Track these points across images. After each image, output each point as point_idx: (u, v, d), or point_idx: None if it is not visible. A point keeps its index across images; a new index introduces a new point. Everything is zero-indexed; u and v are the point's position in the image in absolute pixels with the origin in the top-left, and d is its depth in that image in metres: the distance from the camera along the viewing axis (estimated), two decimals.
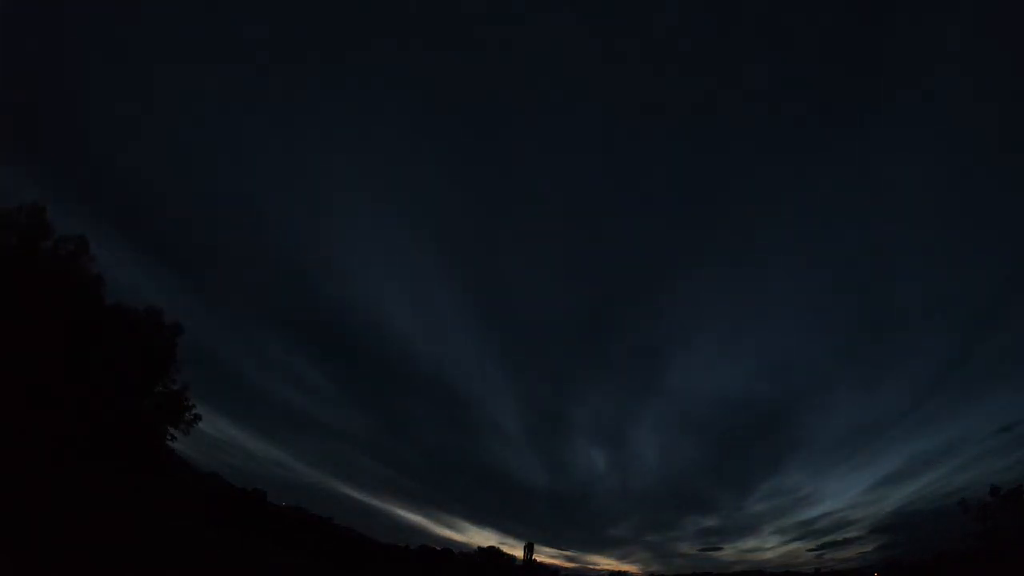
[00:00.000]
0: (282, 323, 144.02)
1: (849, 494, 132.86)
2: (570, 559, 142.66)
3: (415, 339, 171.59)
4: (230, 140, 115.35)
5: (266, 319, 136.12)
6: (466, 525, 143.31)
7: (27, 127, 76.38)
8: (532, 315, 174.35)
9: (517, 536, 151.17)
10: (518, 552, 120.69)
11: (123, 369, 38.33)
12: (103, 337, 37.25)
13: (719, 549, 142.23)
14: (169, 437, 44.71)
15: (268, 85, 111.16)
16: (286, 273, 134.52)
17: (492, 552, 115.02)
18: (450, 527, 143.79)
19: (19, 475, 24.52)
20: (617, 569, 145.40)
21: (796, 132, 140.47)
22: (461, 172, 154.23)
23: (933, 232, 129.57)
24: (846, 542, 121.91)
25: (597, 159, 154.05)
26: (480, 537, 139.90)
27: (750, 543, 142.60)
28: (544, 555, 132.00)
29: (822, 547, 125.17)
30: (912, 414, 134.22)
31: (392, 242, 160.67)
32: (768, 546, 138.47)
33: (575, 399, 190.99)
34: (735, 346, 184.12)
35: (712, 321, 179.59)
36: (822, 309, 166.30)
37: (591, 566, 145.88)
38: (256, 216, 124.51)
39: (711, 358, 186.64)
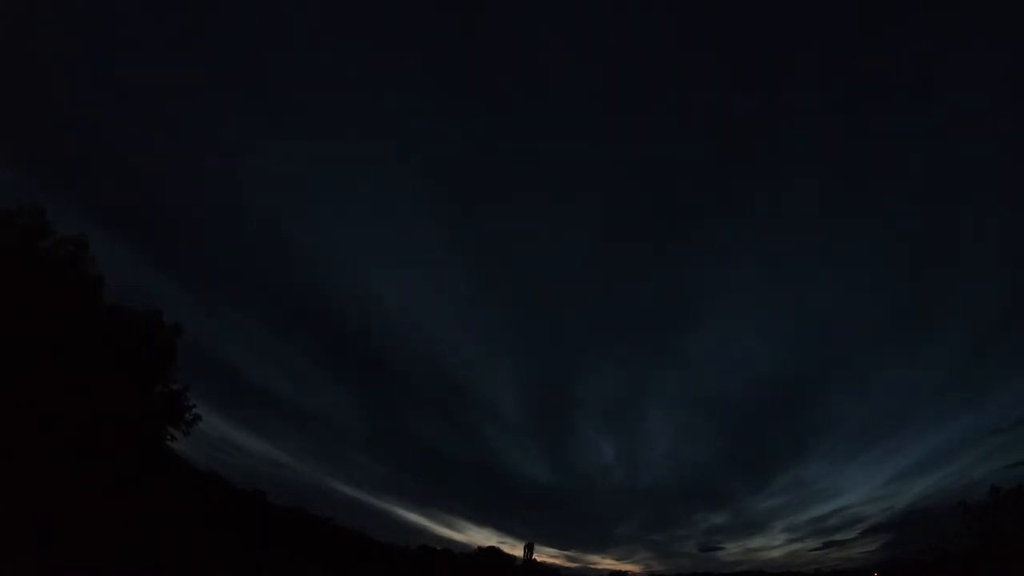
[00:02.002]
0: (280, 320, 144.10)
1: (867, 487, 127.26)
2: (572, 559, 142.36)
3: (413, 328, 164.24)
4: (223, 136, 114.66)
5: (265, 317, 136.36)
6: (466, 525, 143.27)
7: (27, 127, 76.32)
8: (534, 280, 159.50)
9: (517, 536, 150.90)
10: (518, 552, 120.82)
11: (123, 369, 38.24)
12: (103, 337, 37.16)
13: (721, 548, 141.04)
14: (169, 437, 44.63)
15: (263, 84, 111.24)
16: (285, 270, 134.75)
17: (492, 552, 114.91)
18: (450, 527, 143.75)
19: (18, 476, 24.47)
20: (618, 569, 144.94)
21: (840, 73, 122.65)
22: (454, 134, 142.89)
23: (995, 191, 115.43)
24: (847, 542, 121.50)
25: (611, 87, 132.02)
26: (480, 537, 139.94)
27: (758, 541, 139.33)
28: (545, 555, 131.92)
29: (824, 547, 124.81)
30: (947, 394, 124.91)
31: (388, 226, 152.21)
32: (775, 544, 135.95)
33: (582, 377, 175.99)
34: (766, 312, 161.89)
35: (741, 283, 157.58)
36: (867, 271, 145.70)
37: (592, 565, 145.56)
38: (255, 215, 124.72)
39: (738, 326, 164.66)
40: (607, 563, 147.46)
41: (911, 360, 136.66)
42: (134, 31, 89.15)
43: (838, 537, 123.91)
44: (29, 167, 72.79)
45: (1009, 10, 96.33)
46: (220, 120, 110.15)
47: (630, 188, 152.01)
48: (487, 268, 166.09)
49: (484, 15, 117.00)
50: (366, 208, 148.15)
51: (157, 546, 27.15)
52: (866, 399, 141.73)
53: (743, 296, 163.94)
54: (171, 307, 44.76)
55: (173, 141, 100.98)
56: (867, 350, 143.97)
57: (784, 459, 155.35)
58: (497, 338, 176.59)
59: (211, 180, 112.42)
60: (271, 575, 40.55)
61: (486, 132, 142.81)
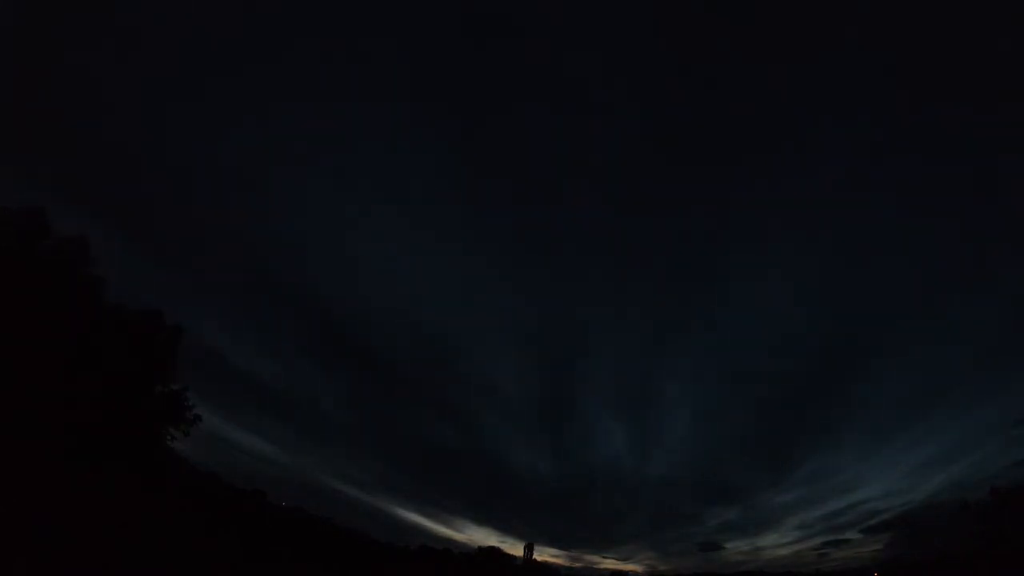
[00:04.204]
0: (277, 317, 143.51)
1: (888, 480, 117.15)
2: (573, 559, 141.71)
3: (411, 319, 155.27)
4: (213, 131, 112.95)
5: (261, 316, 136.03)
6: (466, 524, 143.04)
7: (27, 127, 76.39)
8: (536, 245, 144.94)
9: (518, 536, 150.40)
10: (518, 552, 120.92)
11: (123, 370, 38.31)
12: (103, 338, 37.22)
13: (722, 548, 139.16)
14: (169, 438, 44.72)
15: (259, 75, 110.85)
16: (284, 269, 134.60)
17: (492, 552, 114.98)
18: (450, 526, 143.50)
19: (18, 476, 24.51)
20: (620, 569, 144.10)
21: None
22: (452, 98, 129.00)
23: None
24: (849, 542, 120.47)
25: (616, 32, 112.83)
26: (480, 536, 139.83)
27: (768, 539, 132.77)
28: (547, 555, 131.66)
29: (823, 546, 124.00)
30: (979, 375, 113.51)
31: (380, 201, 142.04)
32: (783, 542, 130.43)
33: (590, 352, 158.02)
34: (796, 277, 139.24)
35: (775, 226, 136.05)
36: (908, 237, 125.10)
37: (594, 565, 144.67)
38: (255, 216, 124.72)
39: (771, 279, 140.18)
40: (609, 563, 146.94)
41: (945, 339, 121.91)
42: (135, 32, 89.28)
43: (841, 536, 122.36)
44: (29, 167, 73.02)
45: None
46: (216, 117, 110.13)
47: (646, 131, 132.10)
48: (486, 242, 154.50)
49: None
50: (356, 192, 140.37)
51: (157, 546, 27.19)
52: (899, 378, 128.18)
53: (771, 260, 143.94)
54: (170, 306, 44.95)
55: (169, 136, 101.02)
56: (902, 324, 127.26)
57: (806, 447, 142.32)
58: (498, 320, 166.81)
59: (208, 178, 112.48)
60: (271, 575, 40.59)
61: (487, 90, 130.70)
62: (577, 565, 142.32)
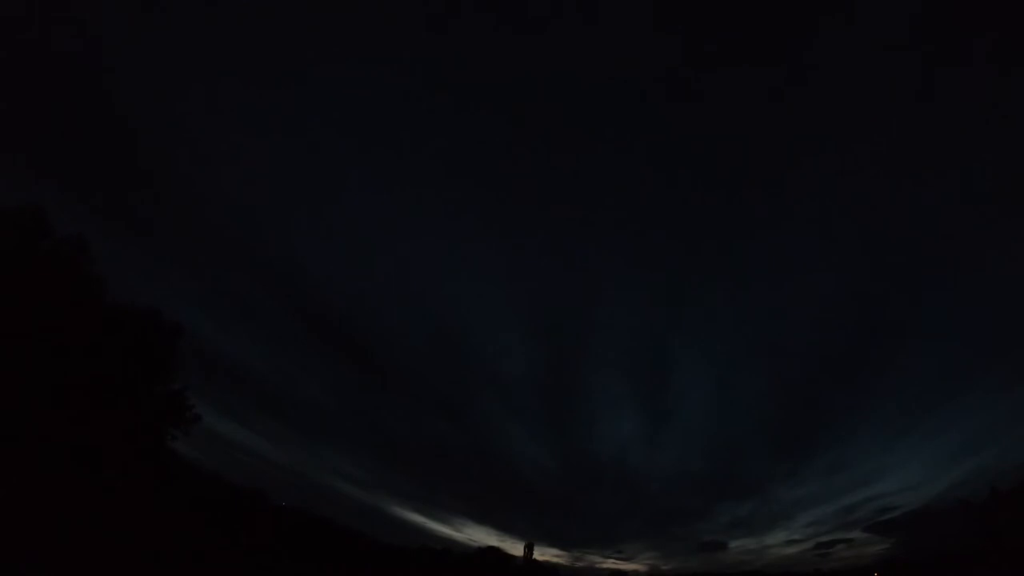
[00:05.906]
0: (279, 319, 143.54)
1: (909, 471, 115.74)
2: (575, 558, 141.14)
3: (412, 311, 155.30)
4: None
5: (264, 316, 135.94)
6: (466, 523, 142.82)
7: (27, 126, 76.31)
8: (540, 220, 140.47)
9: (518, 535, 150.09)
10: (518, 551, 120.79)
11: (123, 370, 38.26)
12: (103, 337, 37.16)
13: (725, 548, 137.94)
14: (169, 437, 44.69)
15: (258, 75, 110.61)
16: (285, 269, 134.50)
17: (492, 552, 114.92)
18: (450, 526, 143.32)
19: (19, 477, 24.47)
20: (621, 568, 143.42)
21: None
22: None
23: None
24: (849, 541, 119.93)
25: None
26: (480, 535, 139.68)
27: (779, 536, 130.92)
28: (548, 554, 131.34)
29: (825, 545, 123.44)
30: (1009, 361, 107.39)
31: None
32: (795, 538, 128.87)
33: (597, 339, 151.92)
34: (821, 259, 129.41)
35: (795, 217, 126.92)
36: (940, 212, 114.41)
37: (596, 565, 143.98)
38: (255, 215, 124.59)
39: (785, 275, 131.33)
40: (610, 563, 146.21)
41: (967, 332, 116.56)
42: (136, 29, 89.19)
43: (843, 536, 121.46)
44: (29, 167, 72.95)
45: None
46: (215, 116, 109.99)
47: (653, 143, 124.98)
48: (485, 230, 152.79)
49: None
50: (354, 187, 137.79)
51: (157, 546, 27.17)
52: (919, 370, 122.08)
53: (783, 256, 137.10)
54: (171, 306, 44.96)
55: (169, 135, 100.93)
56: (925, 313, 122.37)
57: (823, 438, 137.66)
58: (500, 312, 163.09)
59: (208, 178, 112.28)
60: (271, 575, 40.58)
61: (487, 72, 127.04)
62: (579, 565, 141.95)
